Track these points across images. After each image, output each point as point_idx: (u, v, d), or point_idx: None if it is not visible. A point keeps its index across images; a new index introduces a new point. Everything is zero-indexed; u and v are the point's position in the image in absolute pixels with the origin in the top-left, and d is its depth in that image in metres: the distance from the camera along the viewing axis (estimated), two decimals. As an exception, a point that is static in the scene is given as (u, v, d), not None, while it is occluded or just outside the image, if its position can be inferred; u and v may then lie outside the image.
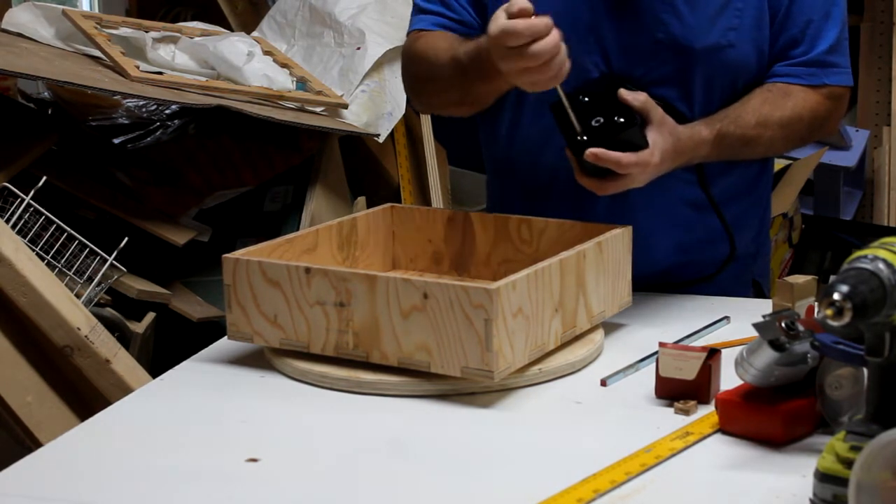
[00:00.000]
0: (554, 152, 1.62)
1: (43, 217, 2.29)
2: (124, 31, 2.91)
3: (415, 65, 1.72)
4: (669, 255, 1.71)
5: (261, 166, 2.92)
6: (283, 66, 2.97)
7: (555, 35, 1.39)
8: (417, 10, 1.75)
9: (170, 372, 1.44)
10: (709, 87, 1.64)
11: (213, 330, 2.24)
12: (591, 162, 1.48)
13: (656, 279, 1.71)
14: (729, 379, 1.24)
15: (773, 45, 1.66)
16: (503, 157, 1.79)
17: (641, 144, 1.50)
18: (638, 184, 1.52)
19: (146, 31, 2.95)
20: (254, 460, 1.17)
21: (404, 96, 2.95)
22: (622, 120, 1.49)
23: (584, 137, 1.49)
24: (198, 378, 1.42)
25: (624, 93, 1.51)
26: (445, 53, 1.62)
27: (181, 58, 2.90)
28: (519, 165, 1.76)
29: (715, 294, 1.72)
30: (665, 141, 1.52)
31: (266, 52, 3.00)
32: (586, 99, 1.52)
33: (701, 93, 1.64)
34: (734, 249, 1.74)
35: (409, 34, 1.76)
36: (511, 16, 1.39)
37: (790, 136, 1.67)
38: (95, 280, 2.31)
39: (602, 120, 1.50)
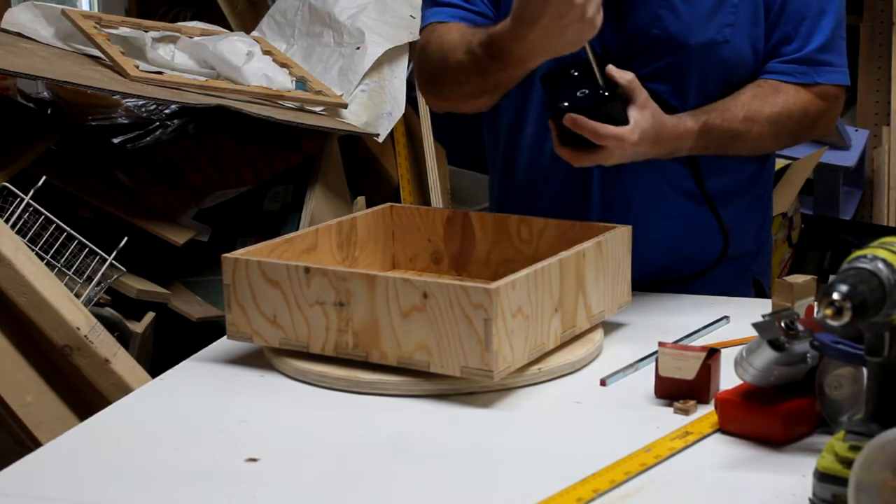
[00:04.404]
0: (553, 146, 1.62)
1: (42, 217, 2.29)
2: (124, 30, 2.91)
3: (430, 60, 1.69)
4: (664, 247, 1.71)
5: (261, 166, 2.92)
6: (283, 65, 2.97)
7: None
8: (432, 3, 1.73)
9: (169, 372, 1.44)
10: (704, 84, 1.64)
11: (212, 330, 2.24)
12: (569, 130, 1.49)
13: (652, 274, 1.71)
14: (729, 379, 1.24)
15: (767, 41, 1.66)
16: (505, 154, 1.80)
17: (622, 120, 1.51)
18: (613, 160, 1.53)
19: (146, 31, 2.95)
20: (254, 460, 1.17)
21: (404, 96, 2.95)
22: (606, 94, 1.50)
23: (566, 104, 1.49)
24: (197, 378, 1.42)
25: (612, 69, 1.52)
26: (460, 47, 1.61)
27: (181, 57, 2.90)
28: (520, 162, 1.77)
29: (715, 293, 1.72)
30: (646, 122, 1.53)
31: (266, 52, 3.00)
32: (576, 73, 1.53)
33: (696, 89, 1.64)
34: (728, 246, 1.74)
35: (423, 28, 1.74)
36: None
37: (779, 132, 1.67)
38: (95, 280, 2.31)
39: (587, 91, 1.51)
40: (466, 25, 1.66)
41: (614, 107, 1.51)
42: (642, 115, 1.52)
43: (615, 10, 1.61)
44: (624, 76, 1.52)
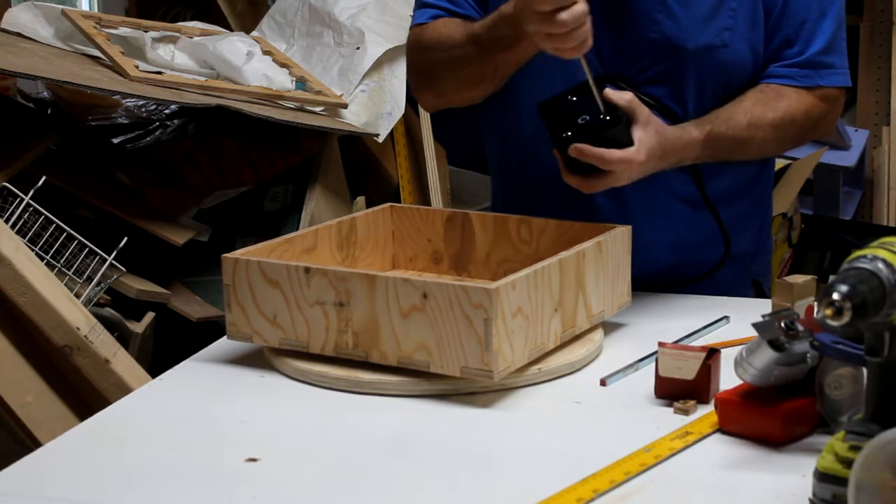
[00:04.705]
0: (552, 148, 1.62)
1: (42, 217, 2.29)
2: (124, 30, 2.91)
3: (426, 52, 1.70)
4: (666, 252, 1.71)
5: (261, 166, 2.93)
6: (283, 65, 2.97)
7: (581, 6, 1.41)
8: (421, 5, 1.75)
9: (169, 372, 1.44)
10: (702, 87, 1.64)
11: (212, 330, 2.24)
12: (576, 159, 1.48)
13: (653, 277, 1.71)
14: (729, 379, 1.25)
15: (768, 45, 1.66)
16: (505, 154, 1.80)
17: (626, 142, 1.50)
18: (623, 182, 1.53)
19: (145, 31, 2.95)
20: (254, 460, 1.17)
21: (404, 96, 2.95)
22: (608, 118, 1.50)
23: (570, 134, 1.49)
24: (197, 378, 1.42)
25: (610, 92, 1.51)
26: (459, 33, 1.62)
27: (180, 57, 2.90)
28: (520, 161, 1.77)
29: (714, 293, 1.71)
30: (651, 139, 1.52)
31: (265, 52, 3.00)
32: (574, 98, 1.53)
33: (694, 93, 1.64)
34: (729, 249, 1.74)
35: (412, 28, 1.75)
36: None
37: (783, 137, 1.67)
38: (95, 280, 2.31)
39: (588, 118, 1.50)
40: (458, 19, 1.68)
41: (617, 130, 1.50)
42: (646, 133, 1.52)
43: (612, 15, 1.61)
44: (622, 97, 1.51)
